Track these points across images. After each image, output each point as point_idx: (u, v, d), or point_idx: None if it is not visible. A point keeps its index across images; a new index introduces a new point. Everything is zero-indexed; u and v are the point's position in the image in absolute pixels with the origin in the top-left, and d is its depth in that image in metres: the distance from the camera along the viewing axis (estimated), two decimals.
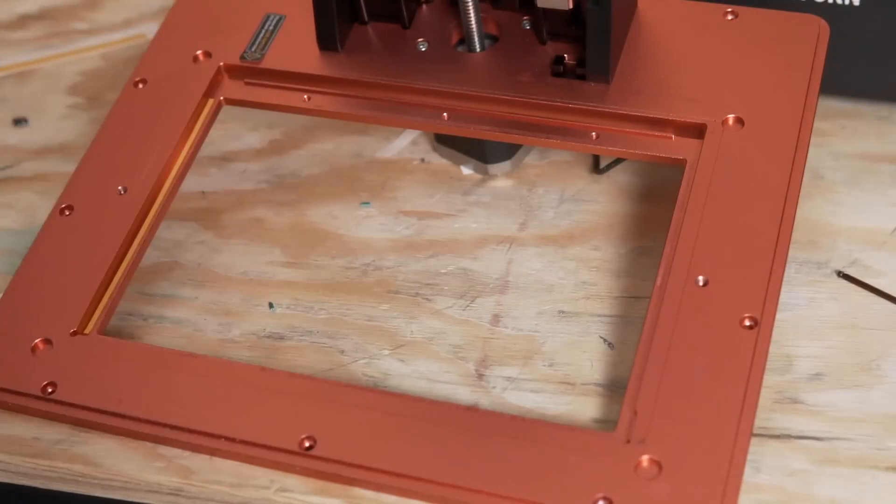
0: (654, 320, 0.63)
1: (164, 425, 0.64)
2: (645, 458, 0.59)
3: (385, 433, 0.62)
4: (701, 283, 0.64)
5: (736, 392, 0.60)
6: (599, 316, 0.70)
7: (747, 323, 0.62)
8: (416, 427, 0.62)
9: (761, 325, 0.62)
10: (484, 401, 0.67)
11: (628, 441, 0.60)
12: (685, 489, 0.58)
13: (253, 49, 0.77)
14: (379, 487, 0.62)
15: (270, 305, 0.73)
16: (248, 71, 0.77)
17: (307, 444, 0.62)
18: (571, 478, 0.59)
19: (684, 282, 0.64)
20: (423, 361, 0.69)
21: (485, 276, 0.74)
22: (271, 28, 0.78)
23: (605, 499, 0.58)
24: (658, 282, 0.65)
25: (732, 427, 0.59)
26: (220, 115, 0.77)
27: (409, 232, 0.77)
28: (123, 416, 0.65)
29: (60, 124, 0.88)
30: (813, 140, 0.69)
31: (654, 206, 0.75)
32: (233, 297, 0.74)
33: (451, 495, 0.60)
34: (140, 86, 0.77)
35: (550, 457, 0.60)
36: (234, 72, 0.77)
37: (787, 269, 0.65)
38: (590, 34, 0.71)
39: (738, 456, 0.59)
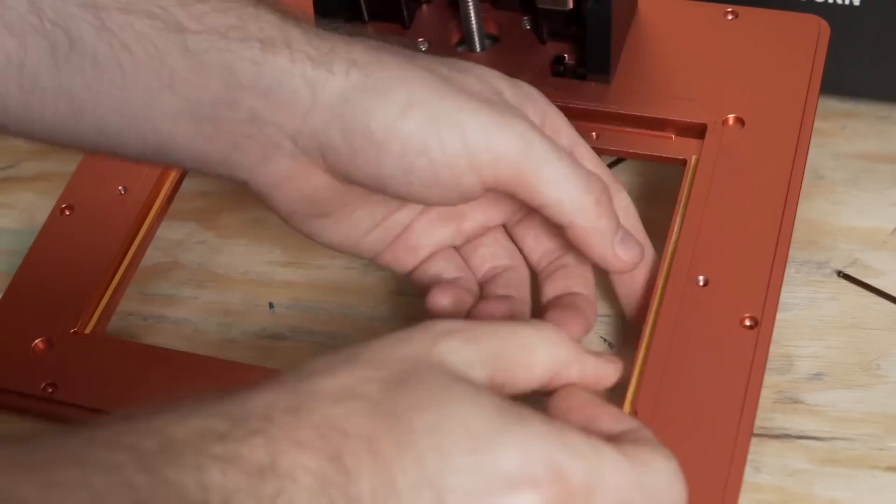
0: (654, 320, 0.63)
1: None
2: None
3: None
4: (701, 283, 0.64)
5: (736, 392, 0.60)
6: (599, 316, 0.70)
7: (748, 323, 0.62)
8: None
9: (762, 325, 0.62)
10: None
11: None
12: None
13: None
14: None
15: (270, 305, 0.73)
16: None
17: None
18: None
19: (685, 282, 0.64)
20: None
21: None
22: None
23: None
24: (658, 281, 0.65)
25: (733, 427, 0.59)
26: None
27: None
28: None
29: None
30: (813, 140, 0.69)
31: (654, 206, 0.75)
32: (233, 297, 0.74)
33: None
34: None
35: None
36: None
37: (787, 269, 0.65)
38: (590, 34, 0.71)
39: (738, 456, 0.58)
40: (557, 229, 0.61)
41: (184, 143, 0.59)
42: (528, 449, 0.46)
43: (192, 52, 0.57)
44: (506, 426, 0.47)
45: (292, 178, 0.60)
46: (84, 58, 0.56)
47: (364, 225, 0.64)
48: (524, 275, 0.67)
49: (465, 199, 0.60)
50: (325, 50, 0.58)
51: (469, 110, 0.58)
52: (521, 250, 0.67)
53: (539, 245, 0.67)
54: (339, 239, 0.64)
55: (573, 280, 0.65)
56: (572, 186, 0.59)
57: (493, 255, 0.67)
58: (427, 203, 0.61)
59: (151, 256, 0.75)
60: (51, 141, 0.59)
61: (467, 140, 0.57)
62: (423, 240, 0.66)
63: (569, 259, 0.66)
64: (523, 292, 0.66)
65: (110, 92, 0.57)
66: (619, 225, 0.61)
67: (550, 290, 0.65)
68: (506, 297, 0.64)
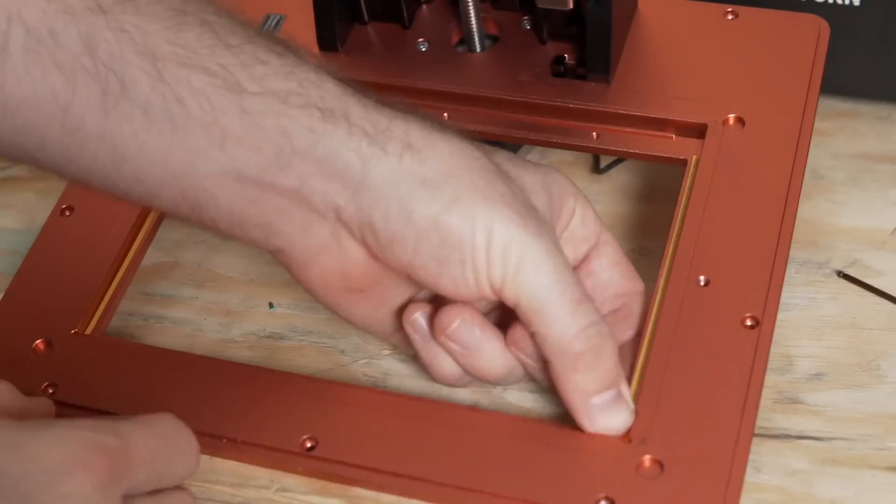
0: (655, 320, 0.64)
1: None
2: (647, 458, 0.59)
3: (387, 433, 0.62)
4: (702, 283, 0.64)
5: (737, 392, 0.60)
6: None
7: (749, 323, 0.63)
8: (417, 427, 0.62)
9: (762, 325, 0.62)
10: (484, 401, 0.67)
11: (630, 441, 0.60)
12: (687, 489, 0.58)
13: None
14: (380, 487, 0.62)
15: (271, 305, 0.73)
16: None
17: (309, 444, 0.62)
18: (573, 478, 0.59)
19: (686, 281, 0.64)
20: None
21: None
22: (271, 28, 0.78)
23: (607, 499, 0.58)
24: (659, 282, 0.65)
25: (734, 427, 0.59)
26: None
27: None
28: None
29: None
30: (813, 140, 0.69)
31: (654, 206, 0.75)
32: (233, 297, 0.74)
33: (453, 495, 0.60)
34: None
35: (552, 457, 0.60)
36: None
37: (787, 269, 0.65)
38: (590, 34, 0.71)
39: (739, 456, 0.59)
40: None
41: (224, 203, 0.58)
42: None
43: (248, 112, 0.56)
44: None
45: (331, 251, 0.60)
46: (134, 106, 0.55)
47: (390, 304, 0.65)
48: None
49: (484, 299, 0.61)
50: (382, 127, 0.58)
51: (500, 218, 0.58)
52: None
53: None
54: (362, 315, 0.65)
55: None
56: (561, 328, 0.59)
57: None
58: (450, 297, 0.61)
59: (151, 256, 0.75)
60: (84, 182, 0.58)
61: (490, 246, 0.58)
62: None
63: None
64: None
65: (157, 144, 0.56)
66: (609, 386, 0.61)
67: None
68: None
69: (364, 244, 0.60)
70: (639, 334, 0.64)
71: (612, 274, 0.65)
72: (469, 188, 0.58)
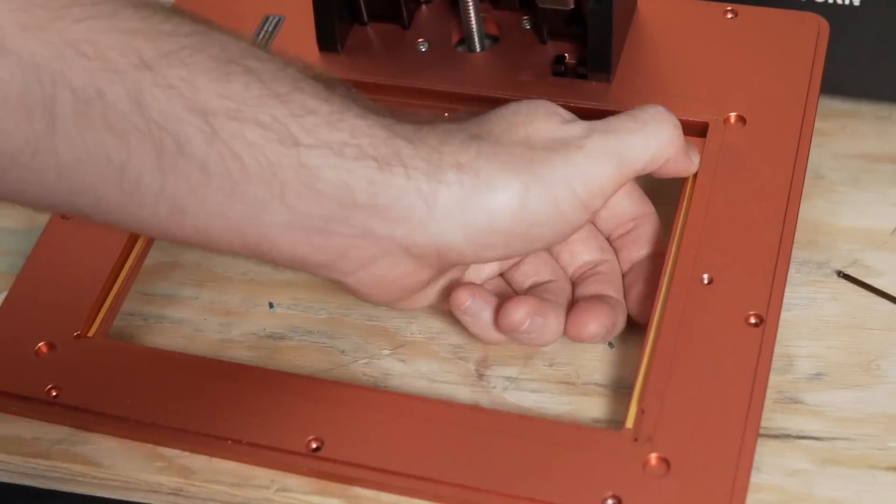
0: (660, 318, 0.64)
1: (171, 428, 0.64)
2: (653, 457, 0.59)
3: (393, 434, 0.62)
4: (706, 282, 0.64)
5: (743, 390, 0.60)
6: None
7: (753, 321, 0.63)
8: (424, 427, 0.62)
9: (767, 323, 0.62)
10: (484, 400, 0.67)
11: (636, 439, 0.60)
12: (694, 487, 0.58)
13: None
14: (385, 487, 0.62)
15: (271, 305, 0.73)
16: None
17: (314, 445, 0.62)
18: (580, 476, 0.59)
19: (689, 280, 0.64)
20: (423, 361, 0.69)
21: None
22: (270, 29, 0.78)
23: (613, 497, 0.58)
24: (663, 280, 0.65)
25: (740, 424, 0.59)
26: None
27: None
28: (128, 420, 0.64)
29: None
30: (813, 140, 0.69)
31: (657, 204, 0.74)
32: (233, 297, 0.73)
33: (460, 495, 0.60)
34: None
35: (558, 456, 0.60)
36: None
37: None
38: (591, 33, 0.71)
39: (745, 453, 0.59)
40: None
41: (287, 249, 0.59)
42: None
43: (305, 167, 0.56)
44: None
45: (397, 279, 0.62)
46: (191, 164, 0.55)
47: (442, 288, 0.67)
48: (566, 286, 0.68)
49: (576, 231, 0.63)
50: (434, 160, 0.59)
51: (557, 165, 0.61)
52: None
53: (574, 259, 0.69)
54: (419, 305, 0.67)
55: (605, 285, 0.67)
56: (654, 138, 0.64)
57: (535, 272, 0.68)
58: (543, 249, 0.66)
59: (151, 256, 0.74)
60: (139, 233, 0.59)
61: (577, 193, 0.61)
62: (475, 277, 0.69)
63: (602, 268, 0.68)
64: (563, 300, 0.67)
65: (216, 198, 0.56)
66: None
67: (582, 292, 0.68)
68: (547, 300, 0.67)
69: (438, 262, 0.61)
70: (653, 254, 0.68)
71: (627, 204, 0.69)
72: (520, 167, 0.60)
